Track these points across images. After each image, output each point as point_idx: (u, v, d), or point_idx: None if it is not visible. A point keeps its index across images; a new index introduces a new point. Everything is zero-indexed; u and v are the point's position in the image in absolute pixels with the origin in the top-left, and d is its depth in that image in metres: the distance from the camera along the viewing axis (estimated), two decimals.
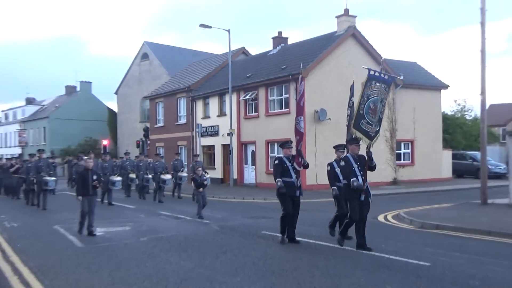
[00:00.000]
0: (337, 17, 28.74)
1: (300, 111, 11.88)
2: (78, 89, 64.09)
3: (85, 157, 18.70)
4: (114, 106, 58.75)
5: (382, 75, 9.94)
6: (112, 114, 58.95)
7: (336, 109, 26.62)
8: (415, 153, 30.38)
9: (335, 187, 10.57)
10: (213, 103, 33.23)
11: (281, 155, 10.66)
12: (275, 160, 10.63)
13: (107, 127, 57.83)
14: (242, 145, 30.18)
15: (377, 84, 9.82)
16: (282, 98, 27.90)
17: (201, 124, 31.71)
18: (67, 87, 66.42)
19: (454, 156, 34.37)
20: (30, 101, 71.58)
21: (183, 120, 36.66)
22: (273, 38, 35.02)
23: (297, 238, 11.03)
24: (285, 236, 10.42)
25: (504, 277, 7.41)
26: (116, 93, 55.64)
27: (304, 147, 25.89)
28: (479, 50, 17.52)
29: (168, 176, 21.77)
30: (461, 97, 48.86)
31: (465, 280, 7.18)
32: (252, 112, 29.97)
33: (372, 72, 9.83)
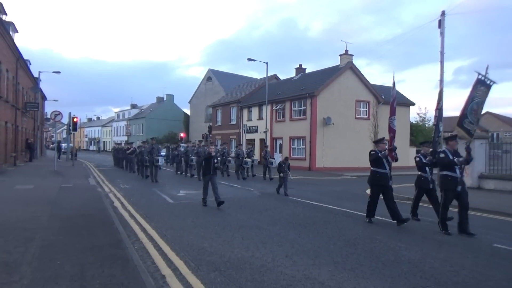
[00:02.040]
0: (340, 55, 28.32)
1: (393, 111, 9.78)
2: (165, 99, 64.91)
3: (197, 144, 18.25)
4: (187, 111, 59.44)
5: (486, 80, 8.25)
6: (186, 116, 59.61)
7: (337, 117, 26.37)
8: None
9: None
10: (255, 111, 33.26)
11: (376, 149, 8.37)
12: (371, 151, 8.35)
13: (182, 125, 58.56)
14: (273, 139, 30.15)
15: (482, 88, 8.23)
16: (301, 109, 27.61)
17: (246, 125, 31.79)
18: (157, 97, 67.35)
19: (417, 152, 33.53)
20: (133, 106, 72.89)
21: (233, 122, 36.83)
22: (296, 68, 34.79)
23: (314, 202, 11.00)
24: (372, 217, 8.23)
25: (458, 234, 7.26)
26: (189, 102, 56.16)
27: (315, 142, 25.86)
28: (439, 80, 16.99)
29: (249, 160, 19.71)
30: (422, 111, 47.91)
31: (432, 235, 7.09)
32: (281, 118, 29.83)
33: (480, 76, 8.17)
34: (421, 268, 5.12)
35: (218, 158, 19.59)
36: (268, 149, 20.76)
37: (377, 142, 8.68)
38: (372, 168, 8.22)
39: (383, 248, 6.06)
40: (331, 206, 10.47)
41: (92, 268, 4.56)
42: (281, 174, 12.99)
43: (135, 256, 5.14)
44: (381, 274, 4.84)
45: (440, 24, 15.76)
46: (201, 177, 17.37)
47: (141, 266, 4.74)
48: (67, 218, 7.51)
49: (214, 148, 10.85)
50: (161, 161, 17.32)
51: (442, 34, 15.77)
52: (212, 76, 51.01)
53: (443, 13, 15.88)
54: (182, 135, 42.57)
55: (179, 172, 21.16)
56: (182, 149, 21.94)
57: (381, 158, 8.14)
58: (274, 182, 17.14)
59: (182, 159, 20.91)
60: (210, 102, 45.73)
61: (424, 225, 8.07)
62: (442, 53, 15.96)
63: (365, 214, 8.37)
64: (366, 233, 7.11)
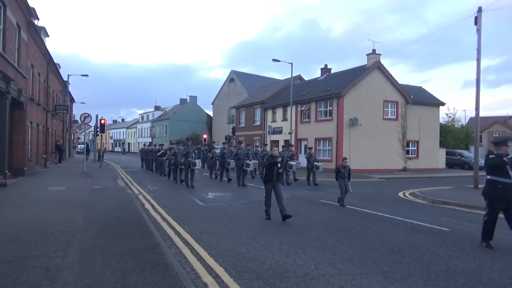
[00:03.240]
0: (367, 54, 27.71)
1: None
2: (188, 100, 65.57)
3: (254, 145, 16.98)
4: (210, 113, 59.75)
5: None
6: (209, 118, 59.91)
7: (365, 118, 25.80)
8: (420, 150, 28.89)
9: None
10: (279, 112, 32.99)
11: (497, 152, 6.36)
12: (489, 155, 6.44)
13: (205, 126, 58.91)
14: (298, 140, 29.77)
15: None
16: (327, 110, 27.15)
17: (270, 126, 31.52)
18: (181, 99, 68.17)
19: (447, 153, 32.39)
20: (157, 108, 73.93)
21: (257, 123, 36.72)
22: (321, 69, 34.38)
23: (348, 206, 10.63)
24: (490, 240, 6.42)
25: (509, 242, 6.82)
26: (212, 104, 56.39)
27: (341, 143, 25.39)
28: (475, 79, 16.31)
29: (294, 163, 17.18)
30: (451, 111, 46.41)
31: (479, 243, 6.66)
32: (306, 119, 29.44)
33: None
34: (478, 279, 4.76)
35: (293, 161, 17.15)
36: (313, 151, 18.27)
37: (500, 143, 6.48)
38: (489, 177, 6.41)
39: (432, 257, 5.71)
40: (366, 210, 10.11)
41: (133, 275, 4.43)
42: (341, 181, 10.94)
43: (174, 262, 4.99)
44: (435, 286, 4.52)
45: (477, 20, 15.11)
46: (241, 183, 15.84)
47: (182, 273, 4.59)
48: (102, 221, 7.47)
49: (277, 151, 9.15)
50: (199, 164, 15.38)
51: (478, 31, 15.12)
52: (235, 77, 51.09)
53: (479, 9, 15.22)
54: (205, 136, 42.72)
55: (213, 176, 19.30)
56: (218, 151, 20.49)
57: (504, 165, 6.18)
58: (309, 187, 16.79)
59: (217, 162, 19.25)
60: (233, 103, 45.81)
61: (469, 231, 7.62)
62: (479, 50, 15.32)
63: (481, 237, 6.55)
64: (410, 240, 6.75)
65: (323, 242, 6.50)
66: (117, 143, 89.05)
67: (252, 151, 19.07)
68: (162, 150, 21.30)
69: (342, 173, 10.97)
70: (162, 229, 7.38)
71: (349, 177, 11.13)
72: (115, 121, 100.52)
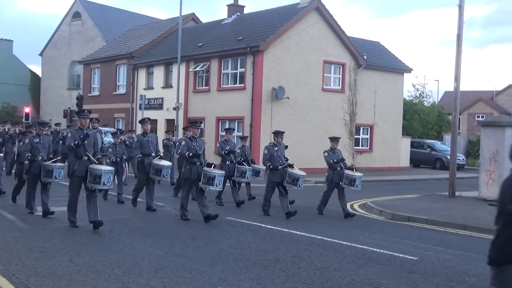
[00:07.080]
0: None
1: None
2: None
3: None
4: (38, 70, 56.91)
5: None
6: (35, 79, 56.98)
7: (295, 88, 26.88)
8: (374, 139, 30.95)
9: None
10: (158, 73, 32.79)
11: None
12: None
13: (28, 93, 55.95)
14: (190, 121, 29.89)
15: None
16: (237, 72, 27.80)
17: (144, 96, 30.95)
18: None
19: (412, 144, 34.99)
20: None
21: (122, 90, 36.20)
22: (228, 6, 34.71)
23: (268, 226, 11.08)
24: None
25: None
26: (41, 54, 53.86)
27: (258, 126, 26.14)
28: (455, 34, 17.99)
29: (301, 174, 14.28)
30: (420, 81, 48.77)
31: (459, 277, 7.46)
32: (202, 86, 29.75)
33: None
34: None
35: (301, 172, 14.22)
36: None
37: None
38: None
39: None
40: (297, 232, 10.67)
41: None
42: None
43: None
44: None
45: None
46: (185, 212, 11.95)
47: None
48: None
49: None
50: (108, 179, 10.66)
51: None
52: (83, 11, 49.33)
53: None
54: (27, 110, 40.51)
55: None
56: (108, 139, 18.90)
57: None
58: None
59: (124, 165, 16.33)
60: (79, 55, 44.46)
61: (444, 260, 8.50)
62: None
63: None
64: (362, 275, 7.32)
65: (233, 284, 6.74)
66: None
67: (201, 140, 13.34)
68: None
69: None
70: None
71: None
72: None
